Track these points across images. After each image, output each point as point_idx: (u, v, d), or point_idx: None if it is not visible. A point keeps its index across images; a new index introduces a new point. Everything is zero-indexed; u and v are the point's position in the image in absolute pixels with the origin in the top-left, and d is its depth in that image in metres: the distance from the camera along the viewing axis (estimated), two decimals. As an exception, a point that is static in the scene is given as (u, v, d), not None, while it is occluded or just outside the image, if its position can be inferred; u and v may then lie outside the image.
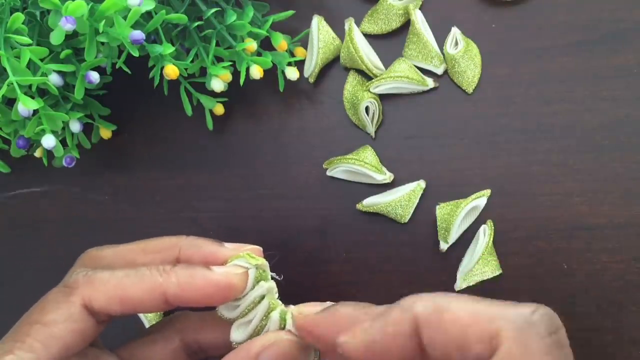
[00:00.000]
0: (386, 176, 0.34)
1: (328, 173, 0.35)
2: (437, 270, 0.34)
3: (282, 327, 0.26)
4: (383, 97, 0.35)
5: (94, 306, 0.26)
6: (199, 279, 0.26)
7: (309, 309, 0.26)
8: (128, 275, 0.26)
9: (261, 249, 0.28)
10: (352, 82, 0.35)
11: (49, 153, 0.35)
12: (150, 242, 0.28)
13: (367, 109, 0.34)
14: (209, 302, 0.26)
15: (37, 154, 0.36)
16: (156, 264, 0.27)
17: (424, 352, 0.21)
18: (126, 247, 0.28)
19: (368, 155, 0.34)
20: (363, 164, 0.33)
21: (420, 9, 0.34)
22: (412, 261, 0.34)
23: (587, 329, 0.32)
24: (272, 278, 0.28)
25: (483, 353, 0.20)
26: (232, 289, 0.26)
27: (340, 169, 0.34)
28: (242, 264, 0.27)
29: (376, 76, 0.34)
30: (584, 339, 0.32)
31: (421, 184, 0.33)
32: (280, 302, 0.27)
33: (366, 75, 0.35)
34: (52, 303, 0.26)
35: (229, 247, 0.28)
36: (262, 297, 0.27)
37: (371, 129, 0.34)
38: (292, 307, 0.27)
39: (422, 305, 0.21)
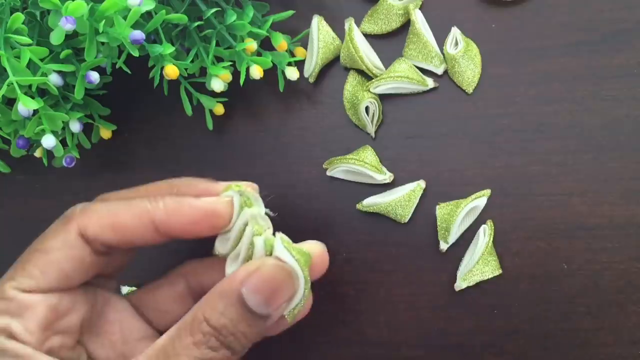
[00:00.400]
0: (386, 176, 0.34)
1: (328, 173, 0.35)
2: (437, 270, 0.34)
3: (269, 254, 0.26)
4: (383, 97, 0.35)
5: (88, 233, 0.26)
6: (185, 206, 0.26)
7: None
8: (120, 204, 0.27)
9: (256, 185, 0.29)
10: (352, 82, 0.35)
11: (49, 153, 0.35)
12: (150, 185, 0.29)
13: (367, 109, 0.34)
14: (197, 231, 0.27)
15: (37, 154, 0.36)
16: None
17: None
18: (132, 189, 0.29)
19: (368, 155, 0.34)
20: (363, 164, 0.33)
21: (420, 9, 0.34)
22: (412, 261, 0.34)
23: (587, 329, 0.32)
24: (266, 214, 0.28)
25: None
26: (217, 216, 0.26)
27: (340, 169, 0.34)
28: (230, 193, 0.27)
29: (376, 76, 0.34)
30: (584, 339, 0.32)
31: (421, 184, 0.33)
32: (267, 228, 0.27)
33: (366, 75, 0.35)
34: (51, 232, 0.27)
35: (223, 184, 0.28)
36: (246, 225, 0.27)
37: (371, 129, 0.34)
38: (280, 233, 0.26)
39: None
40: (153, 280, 0.31)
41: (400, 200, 0.33)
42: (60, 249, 0.26)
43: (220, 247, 0.27)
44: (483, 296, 0.33)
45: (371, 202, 0.34)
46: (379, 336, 0.34)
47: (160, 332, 0.30)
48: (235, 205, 0.27)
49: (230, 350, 0.25)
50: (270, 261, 0.25)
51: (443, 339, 0.33)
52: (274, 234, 0.27)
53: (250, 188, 0.28)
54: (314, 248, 0.28)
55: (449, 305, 0.33)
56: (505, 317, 0.33)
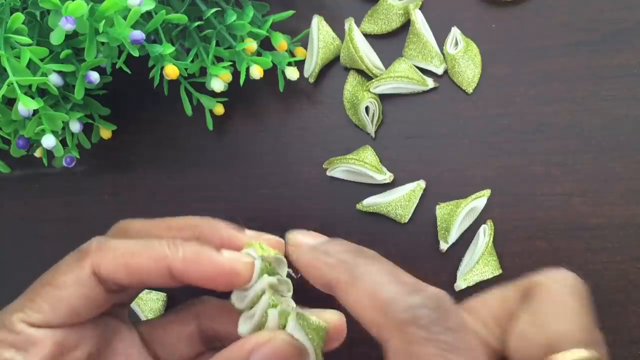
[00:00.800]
0: (386, 176, 0.34)
1: (328, 173, 0.35)
2: (437, 270, 0.34)
3: (282, 327, 0.26)
4: (383, 97, 0.35)
5: (102, 272, 0.26)
6: (205, 259, 0.25)
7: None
8: (137, 244, 0.26)
9: (283, 241, 0.28)
10: (352, 82, 0.35)
11: (49, 153, 0.35)
12: (175, 220, 0.28)
13: (367, 109, 0.34)
14: (213, 285, 0.26)
15: (37, 154, 0.36)
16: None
17: None
18: (154, 222, 0.28)
19: (368, 155, 0.34)
20: (363, 164, 0.33)
21: (420, 9, 0.34)
22: (412, 261, 0.34)
23: (587, 329, 0.32)
24: (288, 275, 0.27)
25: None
26: (235, 276, 0.26)
27: (340, 169, 0.34)
28: (252, 253, 0.26)
29: (376, 76, 0.34)
30: (584, 339, 0.32)
31: (421, 184, 0.33)
32: (285, 299, 0.27)
33: (366, 75, 0.35)
34: (64, 266, 0.26)
35: (248, 234, 0.27)
36: (264, 292, 0.26)
37: (371, 129, 0.34)
38: (297, 309, 0.26)
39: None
40: (165, 314, 0.31)
41: (400, 200, 0.33)
42: (72, 285, 0.26)
43: (236, 300, 0.27)
44: (483, 296, 0.33)
45: (371, 202, 0.34)
46: (379, 336, 0.34)
47: None
48: (256, 268, 0.26)
49: None
50: (281, 336, 0.25)
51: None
52: (294, 298, 0.27)
53: (275, 246, 0.27)
54: (332, 319, 0.27)
55: (449, 305, 0.33)
56: (505, 317, 0.33)
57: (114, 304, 0.29)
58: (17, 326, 0.25)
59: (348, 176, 0.35)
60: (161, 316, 0.31)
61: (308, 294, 0.27)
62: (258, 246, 0.26)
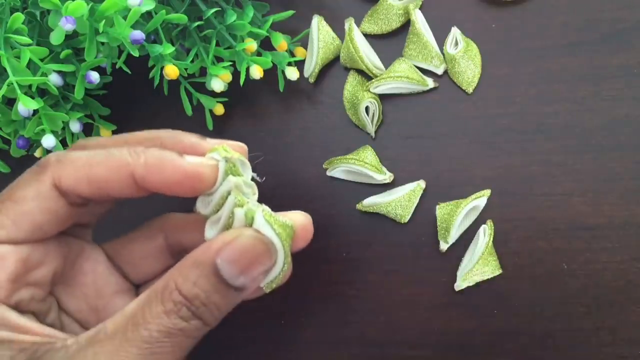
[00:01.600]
0: (386, 176, 0.34)
1: (328, 173, 0.35)
2: (437, 270, 0.34)
3: (250, 226, 0.25)
4: (383, 97, 0.35)
5: (63, 185, 0.25)
6: (168, 164, 0.25)
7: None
8: (98, 154, 0.25)
9: (245, 146, 0.27)
10: (352, 82, 0.35)
11: (49, 153, 0.35)
12: (133, 134, 0.27)
13: (367, 109, 0.34)
14: (177, 191, 0.25)
15: (37, 154, 0.36)
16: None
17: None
18: (112, 137, 0.28)
19: (368, 155, 0.34)
20: (363, 164, 0.33)
21: (420, 9, 0.34)
22: (412, 261, 0.34)
23: (587, 329, 0.32)
24: (253, 179, 0.26)
25: None
26: (199, 180, 0.25)
27: (340, 169, 0.34)
28: (216, 156, 0.26)
29: (376, 76, 0.34)
30: (584, 339, 0.32)
31: (421, 184, 0.33)
32: (253, 194, 0.26)
33: (366, 75, 0.35)
34: (22, 182, 0.26)
35: (211, 142, 0.27)
36: (229, 193, 0.25)
37: (371, 129, 0.34)
38: (263, 205, 0.25)
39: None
40: (129, 233, 0.30)
41: (400, 200, 0.33)
42: (33, 199, 0.25)
43: (201, 207, 0.26)
44: (483, 296, 0.33)
45: (371, 202, 0.34)
46: (379, 336, 0.34)
47: (135, 286, 0.30)
48: (220, 170, 0.25)
49: (202, 320, 0.24)
50: (248, 232, 0.24)
51: (443, 339, 0.33)
52: (259, 201, 0.26)
53: (238, 151, 0.26)
54: (298, 219, 0.27)
55: (449, 305, 0.33)
56: (505, 317, 0.33)
57: (78, 222, 0.28)
58: None
59: (348, 176, 0.35)
60: (125, 235, 0.30)
61: (273, 202, 0.27)
62: (222, 149, 0.26)
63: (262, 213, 0.25)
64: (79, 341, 0.23)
